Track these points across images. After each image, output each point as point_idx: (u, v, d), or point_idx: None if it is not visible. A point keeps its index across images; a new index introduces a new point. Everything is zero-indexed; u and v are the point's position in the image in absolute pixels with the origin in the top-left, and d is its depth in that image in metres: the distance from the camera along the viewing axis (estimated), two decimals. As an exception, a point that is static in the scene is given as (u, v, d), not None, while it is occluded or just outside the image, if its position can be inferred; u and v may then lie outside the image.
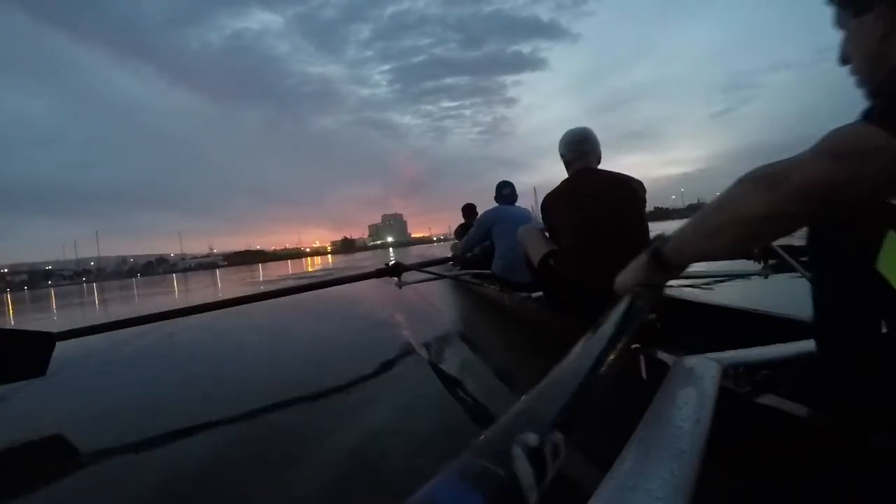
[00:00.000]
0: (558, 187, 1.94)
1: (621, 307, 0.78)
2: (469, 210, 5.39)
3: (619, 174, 1.88)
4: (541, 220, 3.19)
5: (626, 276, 0.88)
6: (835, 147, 0.58)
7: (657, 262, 0.81)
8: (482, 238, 3.41)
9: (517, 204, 3.57)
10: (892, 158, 0.54)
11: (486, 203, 3.99)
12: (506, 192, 3.54)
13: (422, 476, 0.29)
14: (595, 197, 1.80)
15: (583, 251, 1.75)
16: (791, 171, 0.60)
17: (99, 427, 1.69)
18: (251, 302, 2.61)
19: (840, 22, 0.77)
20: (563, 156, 1.98)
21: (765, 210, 0.61)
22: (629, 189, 1.83)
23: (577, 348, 0.59)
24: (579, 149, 1.92)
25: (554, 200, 1.93)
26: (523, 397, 0.45)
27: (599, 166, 1.97)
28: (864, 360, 0.68)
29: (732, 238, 0.68)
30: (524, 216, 3.38)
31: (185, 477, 1.19)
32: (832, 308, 0.74)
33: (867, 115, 0.58)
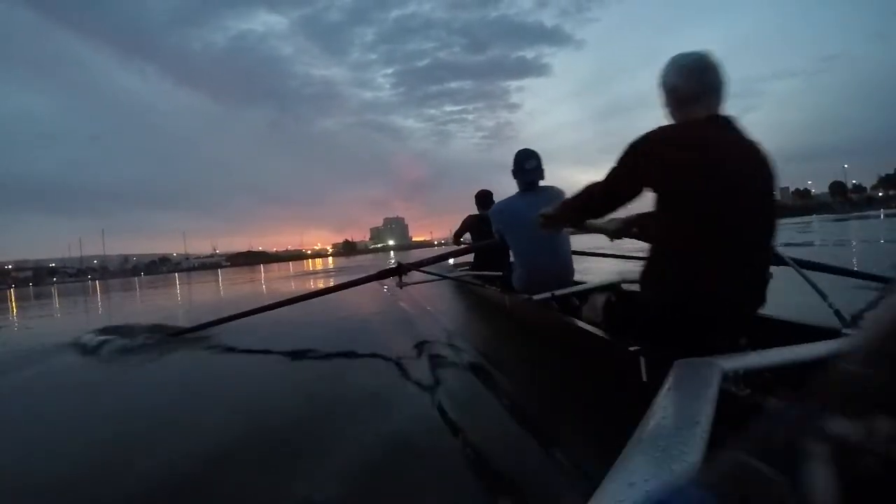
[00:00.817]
0: (668, 132, 1.21)
1: None
2: (484, 198, 4.05)
3: (750, 137, 1.21)
4: None
5: None
6: None
7: None
8: (501, 239, 2.57)
9: (543, 183, 2.43)
10: None
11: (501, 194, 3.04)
12: (529, 166, 2.38)
13: (422, 485, 0.29)
14: (733, 168, 1.11)
15: (698, 245, 1.14)
16: None
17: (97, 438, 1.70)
18: (262, 312, 2.71)
19: None
20: (674, 89, 1.24)
21: None
22: (771, 168, 1.21)
23: None
24: (703, 80, 1.20)
25: (663, 149, 1.16)
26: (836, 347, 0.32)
27: None
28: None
29: None
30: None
31: (180, 486, 1.19)
32: None
33: None
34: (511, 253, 2.52)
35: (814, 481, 0.21)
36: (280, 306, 2.86)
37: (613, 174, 1.26)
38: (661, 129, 1.21)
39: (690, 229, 1.13)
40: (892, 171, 78.05)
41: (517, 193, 2.43)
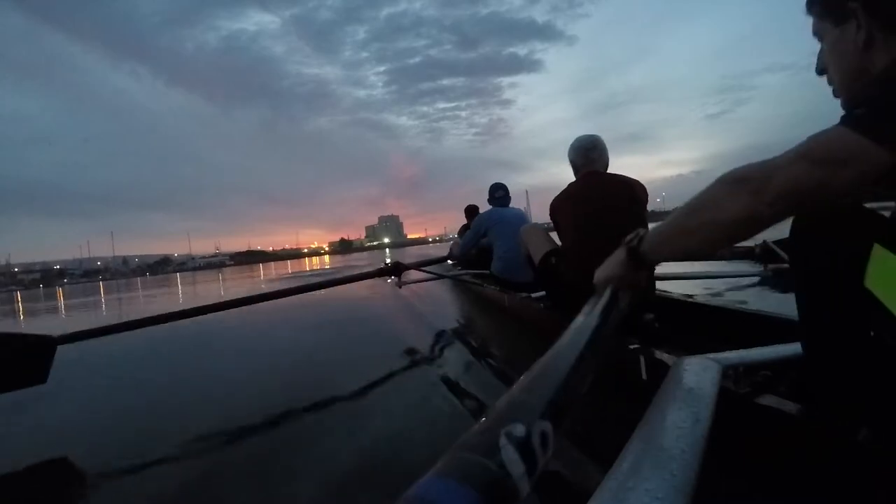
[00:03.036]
0: (566, 189, 1.99)
1: (602, 299, 0.80)
2: (472, 212, 5.27)
3: (622, 177, 1.92)
4: (535, 221, 3.07)
5: (605, 271, 0.91)
6: (815, 152, 0.60)
7: (633, 257, 0.84)
8: (478, 239, 3.52)
9: (511, 205, 3.65)
10: (868, 164, 0.56)
11: (485, 205, 4.07)
12: (498, 194, 3.60)
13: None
14: (597, 198, 1.85)
15: (583, 251, 1.74)
16: (771, 174, 0.61)
17: (100, 437, 1.70)
18: (257, 302, 2.64)
19: (819, 33, 0.77)
20: (572, 161, 2.03)
21: (744, 213, 0.64)
22: (630, 191, 1.87)
23: (562, 340, 0.59)
24: (588, 156, 1.97)
25: (560, 202, 1.99)
26: (510, 389, 0.45)
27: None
28: (852, 362, 0.68)
29: (708, 238, 0.70)
30: (519, 217, 3.45)
31: (182, 486, 1.18)
32: (818, 313, 0.73)
33: (845, 121, 0.59)
34: (494, 248, 3.35)
35: (507, 461, 0.32)
36: (280, 296, 2.77)
37: (554, 222, 2.06)
38: (559, 194, 1.99)
39: (580, 238, 1.84)
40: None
41: (494, 208, 3.57)
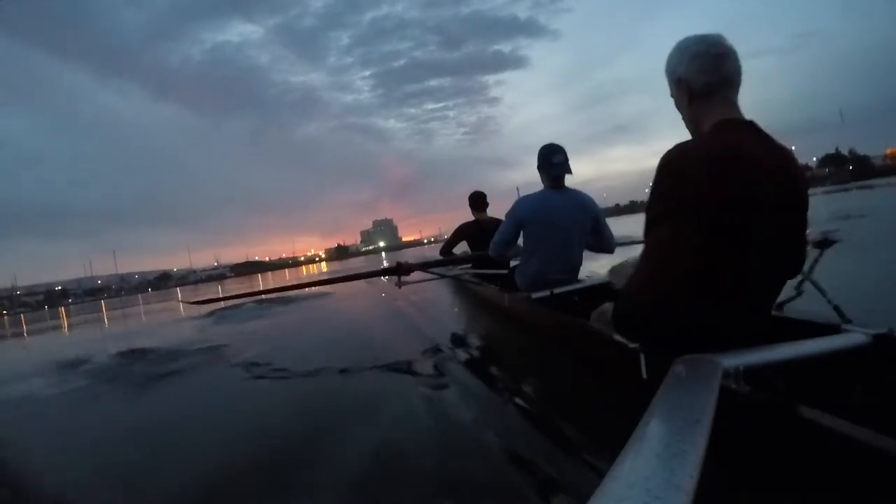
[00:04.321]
0: (696, 146, 1.05)
1: None
2: (478, 201, 3.81)
3: (780, 144, 1.05)
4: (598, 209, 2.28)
5: None
6: None
7: None
8: (517, 233, 2.38)
9: (567, 182, 2.34)
10: None
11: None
12: (557, 160, 2.27)
13: (422, 485, 0.28)
14: (755, 185, 0.97)
15: (707, 271, 1.00)
16: None
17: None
18: (270, 293, 3.33)
19: None
20: (684, 81, 1.08)
21: None
22: (802, 177, 1.07)
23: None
24: (718, 71, 1.04)
25: (683, 175, 0.99)
26: None
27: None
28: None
29: None
30: (576, 213, 2.29)
31: (188, 489, 1.18)
32: None
33: None
34: (523, 253, 2.42)
35: None
36: (291, 289, 3.33)
37: (652, 207, 1.05)
38: (691, 146, 1.04)
39: (709, 250, 0.97)
40: (833, 151, 77.96)
41: (545, 190, 2.35)
